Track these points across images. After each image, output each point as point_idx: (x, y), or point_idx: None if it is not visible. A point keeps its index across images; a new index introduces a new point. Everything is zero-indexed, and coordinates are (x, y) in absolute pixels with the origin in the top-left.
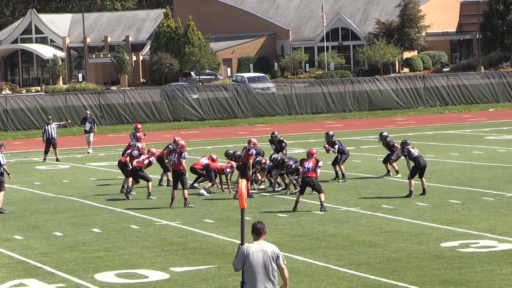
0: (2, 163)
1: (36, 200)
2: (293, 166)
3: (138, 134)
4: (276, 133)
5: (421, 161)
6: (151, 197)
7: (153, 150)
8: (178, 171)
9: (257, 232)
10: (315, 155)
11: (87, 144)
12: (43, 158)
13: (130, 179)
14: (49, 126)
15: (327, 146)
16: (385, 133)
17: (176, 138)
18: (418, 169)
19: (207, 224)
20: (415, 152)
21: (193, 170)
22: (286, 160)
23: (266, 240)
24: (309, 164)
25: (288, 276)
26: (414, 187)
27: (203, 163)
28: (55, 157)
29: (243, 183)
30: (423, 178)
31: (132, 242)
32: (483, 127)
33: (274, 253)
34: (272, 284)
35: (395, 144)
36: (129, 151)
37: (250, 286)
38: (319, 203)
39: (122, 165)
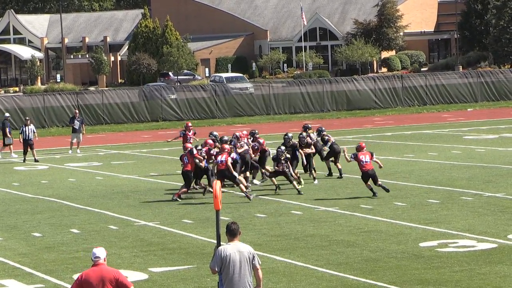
0: None
1: (15, 200)
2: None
3: (188, 132)
4: (255, 131)
5: (335, 147)
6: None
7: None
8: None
9: (232, 233)
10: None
11: (70, 145)
12: (23, 159)
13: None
14: (27, 127)
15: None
16: (290, 134)
17: (209, 141)
18: (332, 154)
19: (185, 225)
20: (331, 138)
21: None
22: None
23: (245, 240)
24: (366, 158)
25: (262, 277)
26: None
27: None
28: (33, 158)
29: (217, 184)
30: (338, 163)
31: (111, 242)
32: (461, 127)
33: (250, 253)
34: (248, 284)
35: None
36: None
37: (227, 287)
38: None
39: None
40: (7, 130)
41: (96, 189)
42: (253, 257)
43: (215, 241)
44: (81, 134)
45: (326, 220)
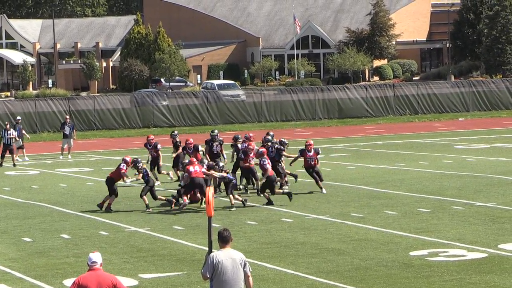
0: None
1: (5, 205)
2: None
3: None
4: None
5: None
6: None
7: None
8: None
9: (224, 239)
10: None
11: (61, 150)
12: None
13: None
14: (7, 132)
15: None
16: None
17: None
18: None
19: (176, 231)
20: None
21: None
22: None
23: (236, 247)
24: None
25: (252, 284)
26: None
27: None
28: (12, 163)
29: (210, 190)
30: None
31: (101, 248)
32: (453, 136)
33: (242, 260)
34: None
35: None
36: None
37: None
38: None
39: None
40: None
41: (87, 195)
42: (245, 264)
43: (206, 248)
44: (72, 139)
45: (316, 228)
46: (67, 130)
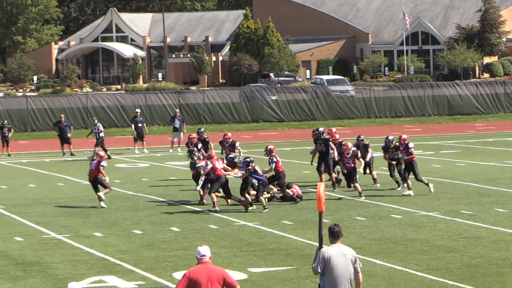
0: None
1: (116, 198)
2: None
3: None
4: (361, 136)
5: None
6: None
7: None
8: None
9: (335, 235)
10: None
11: (171, 143)
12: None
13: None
14: (95, 126)
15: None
16: (321, 129)
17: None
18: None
19: (285, 226)
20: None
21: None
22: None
23: (344, 243)
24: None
25: (362, 281)
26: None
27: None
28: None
29: (321, 186)
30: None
31: (211, 241)
32: None
33: (353, 256)
34: (349, 287)
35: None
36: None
37: None
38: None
39: None
40: (133, 124)
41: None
42: (355, 260)
43: (315, 243)
44: (182, 133)
45: (426, 225)
46: (177, 123)
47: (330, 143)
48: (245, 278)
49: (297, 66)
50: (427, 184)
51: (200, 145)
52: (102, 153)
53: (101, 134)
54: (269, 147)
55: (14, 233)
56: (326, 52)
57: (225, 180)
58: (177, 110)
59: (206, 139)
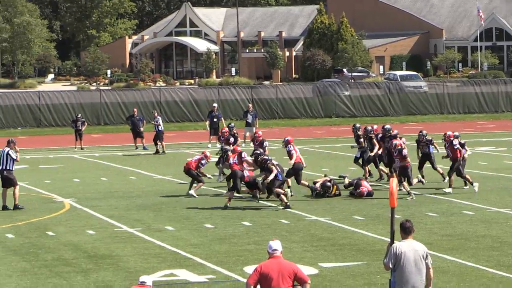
0: (14, 158)
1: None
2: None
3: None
4: (424, 132)
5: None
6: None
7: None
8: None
9: (407, 230)
10: None
11: (243, 138)
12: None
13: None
14: (155, 119)
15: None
16: (357, 125)
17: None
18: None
19: (356, 221)
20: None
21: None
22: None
23: (415, 239)
24: None
25: (433, 277)
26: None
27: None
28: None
29: (393, 181)
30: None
31: (282, 236)
32: None
33: (424, 252)
34: (421, 283)
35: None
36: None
37: (401, 285)
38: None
39: None
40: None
41: None
42: (427, 256)
43: (386, 238)
44: (254, 127)
45: (497, 221)
46: (249, 118)
47: (374, 140)
48: (316, 273)
49: (371, 61)
50: (468, 183)
51: (232, 139)
52: (208, 154)
53: (160, 128)
54: (286, 138)
55: (86, 226)
56: (399, 48)
57: (240, 174)
58: (250, 105)
59: (236, 134)
